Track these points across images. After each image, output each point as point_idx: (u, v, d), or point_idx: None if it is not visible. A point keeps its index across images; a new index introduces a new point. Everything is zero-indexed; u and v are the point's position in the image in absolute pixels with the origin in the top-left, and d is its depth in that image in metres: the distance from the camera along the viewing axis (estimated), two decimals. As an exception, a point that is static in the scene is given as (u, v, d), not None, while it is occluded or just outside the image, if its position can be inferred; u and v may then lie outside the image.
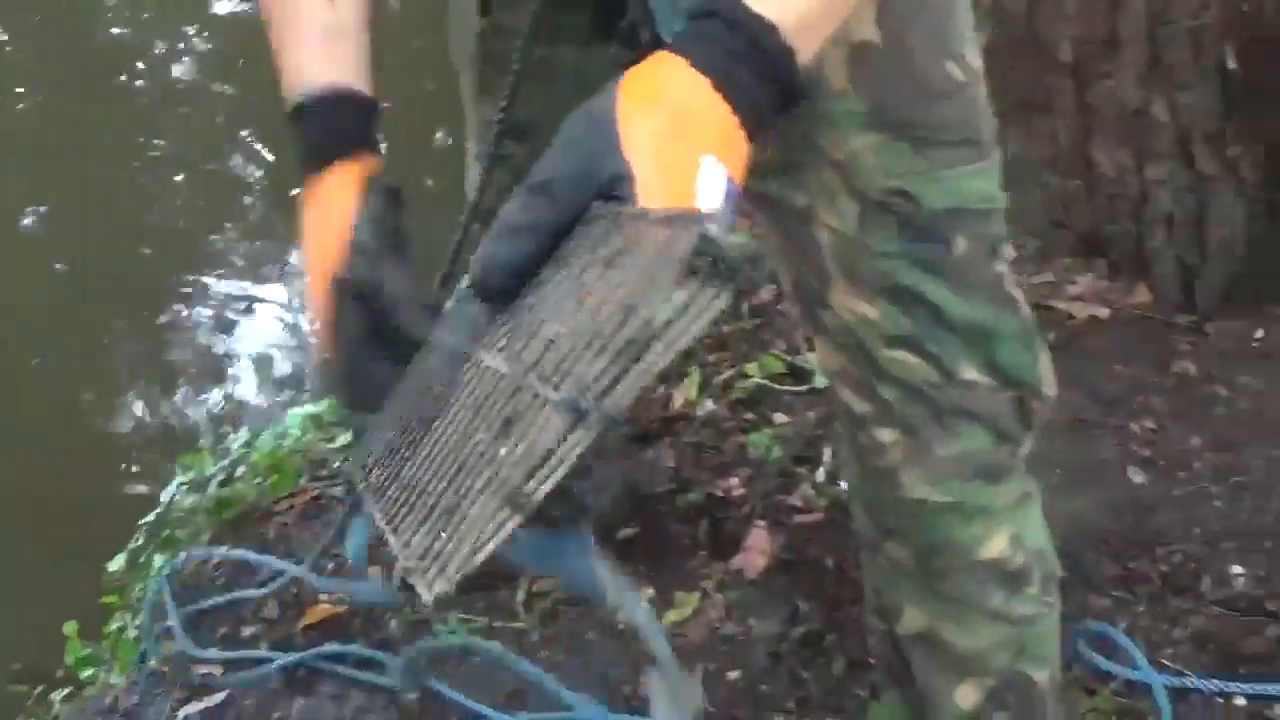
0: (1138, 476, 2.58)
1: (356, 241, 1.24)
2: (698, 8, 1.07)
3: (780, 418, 2.82)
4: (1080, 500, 2.51)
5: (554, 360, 0.85)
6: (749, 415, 2.87)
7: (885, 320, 1.52)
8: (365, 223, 1.25)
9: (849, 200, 1.48)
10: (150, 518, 3.58)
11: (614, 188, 0.98)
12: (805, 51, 1.07)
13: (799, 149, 1.48)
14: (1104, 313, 2.96)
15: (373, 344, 1.20)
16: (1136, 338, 2.92)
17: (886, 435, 1.58)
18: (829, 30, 1.11)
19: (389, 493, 1.00)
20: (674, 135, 1.01)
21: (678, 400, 2.90)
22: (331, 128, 1.33)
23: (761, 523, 2.60)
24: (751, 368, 2.94)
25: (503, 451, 0.84)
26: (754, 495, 2.67)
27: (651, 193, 0.98)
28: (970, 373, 1.52)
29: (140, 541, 3.48)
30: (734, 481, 2.71)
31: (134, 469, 4.40)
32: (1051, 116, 2.95)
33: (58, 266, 5.16)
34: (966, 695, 1.71)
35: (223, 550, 2.93)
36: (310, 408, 3.48)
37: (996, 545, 1.63)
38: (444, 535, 0.84)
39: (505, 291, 1.01)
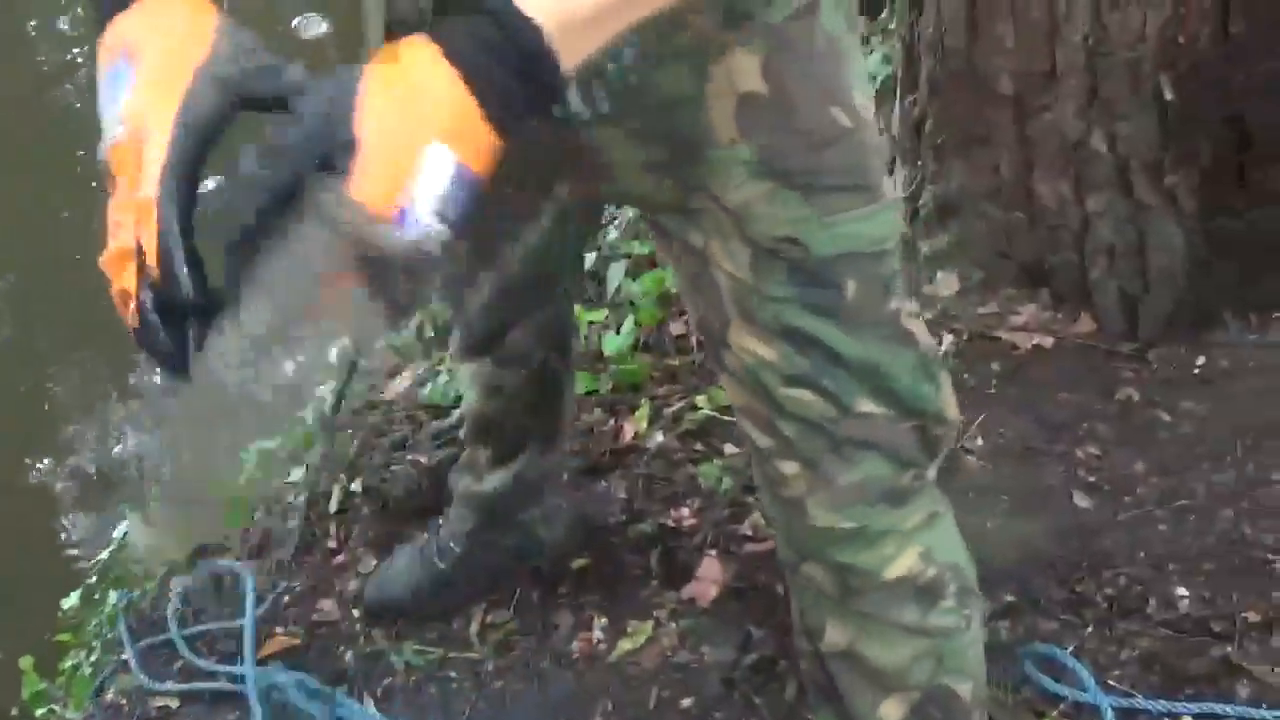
0: (1084, 501, 2.61)
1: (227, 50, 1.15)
2: (467, 2, 1.08)
3: (730, 448, 2.83)
4: (1027, 525, 2.54)
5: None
6: (699, 446, 2.89)
7: (782, 360, 1.55)
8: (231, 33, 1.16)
9: (741, 246, 1.52)
10: (104, 555, 3.58)
11: (336, 158, 1.01)
12: (570, 55, 1.08)
13: (694, 192, 1.52)
14: (1048, 342, 2.99)
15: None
16: (1080, 366, 2.95)
17: (789, 468, 1.62)
18: (601, 39, 1.12)
19: None
20: (405, 116, 1.04)
21: (628, 432, 2.92)
22: None
23: (713, 552, 2.61)
24: (701, 399, 2.96)
25: None
26: (705, 525, 2.69)
27: (368, 170, 1.01)
28: (868, 406, 1.56)
29: (94, 579, 3.48)
30: (685, 512, 2.73)
31: (83, 507, 4.39)
32: (992, 149, 2.98)
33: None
34: (891, 710, 1.73)
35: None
36: (263, 443, 3.48)
37: (905, 563, 1.66)
38: None
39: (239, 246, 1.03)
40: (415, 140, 1.03)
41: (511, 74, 1.06)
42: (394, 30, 1.63)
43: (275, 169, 1.02)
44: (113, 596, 3.23)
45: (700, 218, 1.54)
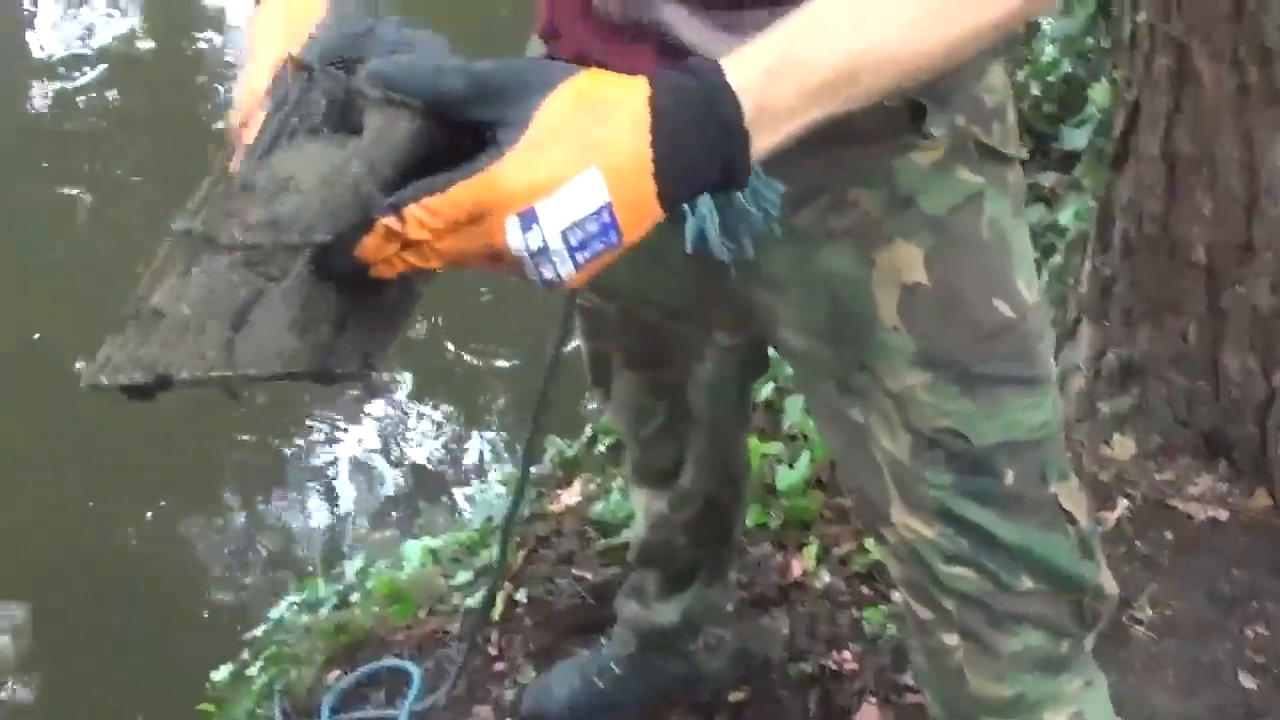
0: (1249, 682, 2.58)
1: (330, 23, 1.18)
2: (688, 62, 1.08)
3: (897, 595, 2.81)
4: (1192, 702, 2.52)
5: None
6: (865, 589, 2.88)
7: (942, 540, 1.56)
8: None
9: (902, 432, 1.53)
10: (258, 632, 3.64)
11: (500, 128, 1.03)
12: (761, 139, 1.07)
13: (855, 370, 1.53)
14: (1223, 515, 2.96)
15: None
16: (1255, 541, 2.91)
17: (950, 639, 1.63)
18: (792, 132, 1.09)
19: None
20: (584, 129, 1.04)
21: (796, 569, 2.92)
22: None
23: (873, 699, 2.61)
24: (870, 542, 2.91)
25: None
26: (867, 670, 2.69)
27: (523, 152, 1.02)
28: (1027, 583, 1.57)
29: (246, 655, 3.54)
30: (847, 655, 2.73)
31: (238, 581, 4.45)
32: (1181, 316, 2.97)
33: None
34: None
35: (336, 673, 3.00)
36: (429, 541, 3.54)
37: None
38: None
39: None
40: (581, 155, 1.03)
41: (699, 139, 1.06)
42: None
43: (451, 85, 1.04)
44: (264, 674, 3.30)
45: (860, 396, 1.55)
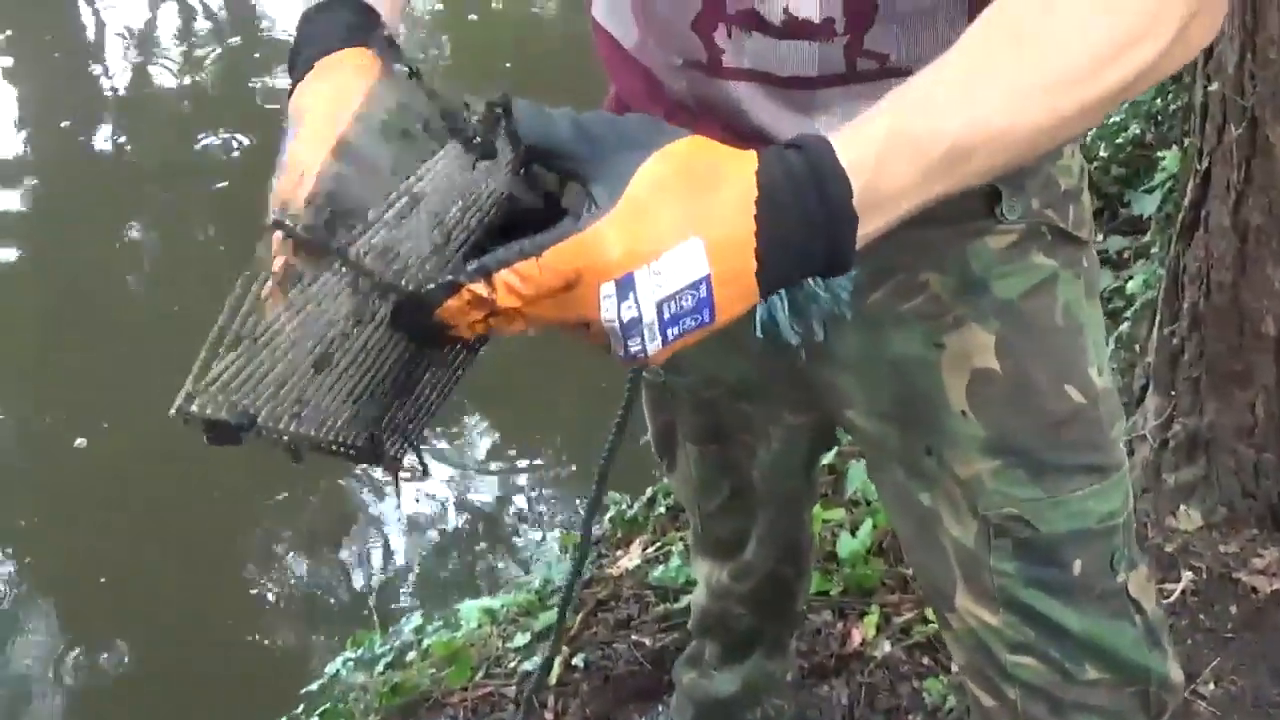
0: (1313, 763, 2.57)
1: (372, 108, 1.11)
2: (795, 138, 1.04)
3: (956, 666, 2.81)
4: (1254, 783, 2.51)
5: None
6: (926, 660, 2.87)
7: (1007, 628, 1.55)
8: (386, 90, 1.12)
9: (969, 518, 1.52)
10: (313, 686, 3.65)
11: (598, 184, 0.99)
12: (871, 223, 1.02)
13: (923, 455, 1.53)
14: (1289, 588, 2.95)
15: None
16: (1322, 617, 2.89)
17: None
18: (893, 219, 1.05)
19: None
20: (688, 197, 0.99)
21: (856, 638, 2.91)
22: (343, 21, 1.25)
23: (933, 773, 2.61)
24: (932, 612, 2.92)
25: None
26: (927, 744, 2.67)
27: (623, 216, 0.97)
28: (1093, 674, 1.56)
29: (301, 710, 3.55)
30: (907, 727, 2.72)
31: (293, 633, 4.46)
32: (1250, 388, 2.96)
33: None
34: None
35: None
36: (487, 601, 3.55)
37: None
38: None
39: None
40: (685, 223, 0.98)
41: (805, 219, 1.00)
42: None
43: (555, 133, 1.02)
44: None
45: (928, 480, 1.55)
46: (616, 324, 0.98)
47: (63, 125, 6.89)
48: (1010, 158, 1.08)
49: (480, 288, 0.97)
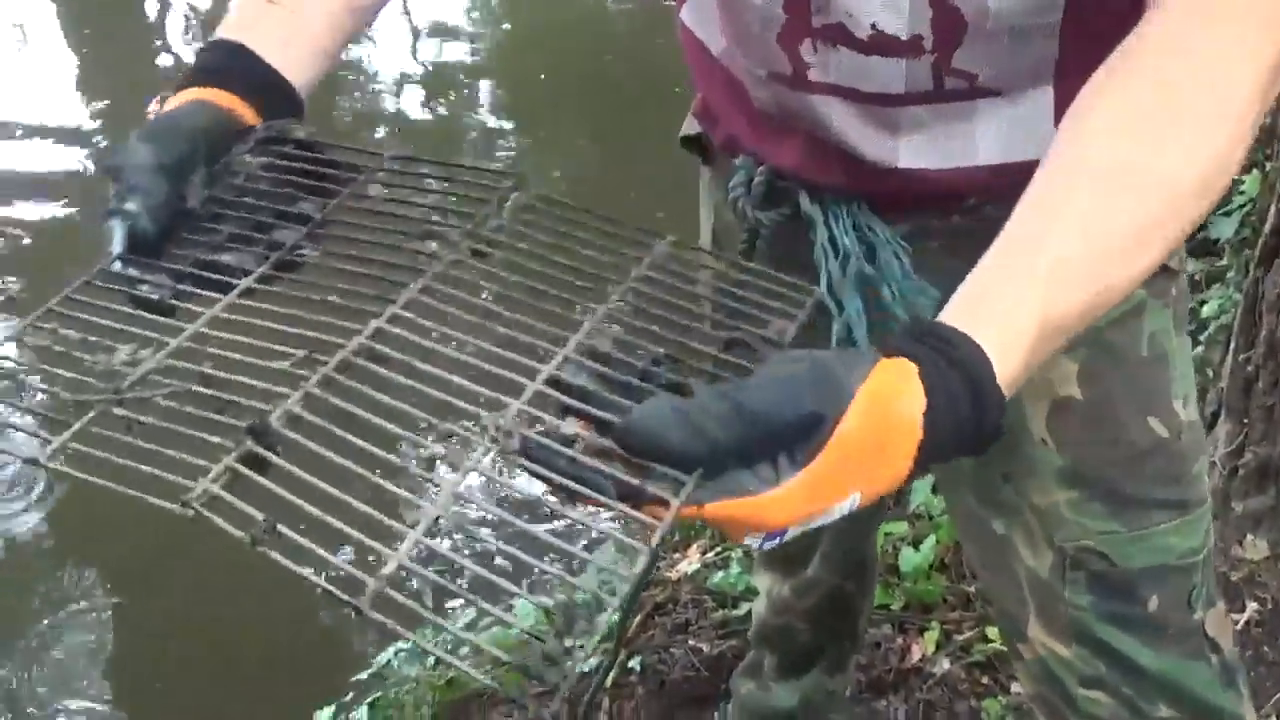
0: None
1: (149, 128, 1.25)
2: (932, 329, 1.02)
3: (1017, 688, 2.81)
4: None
5: None
6: (985, 679, 2.86)
7: (1079, 662, 1.54)
8: (154, 119, 1.27)
9: (1045, 548, 1.51)
10: (363, 675, 3.66)
11: (779, 458, 0.96)
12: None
13: (1000, 483, 1.52)
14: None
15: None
16: None
17: None
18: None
19: None
20: (862, 468, 0.97)
21: (915, 653, 2.91)
22: (225, 65, 1.34)
23: (988, 793, 2.60)
24: (993, 631, 2.92)
25: None
26: (984, 764, 2.67)
27: (795, 496, 0.95)
28: (1164, 711, 1.54)
29: (350, 697, 3.57)
30: (964, 747, 2.72)
31: (344, 618, 4.46)
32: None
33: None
34: None
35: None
36: (543, 599, 3.54)
37: None
38: None
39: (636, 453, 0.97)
40: (854, 490, 0.98)
41: (958, 444, 1.01)
42: (719, 235, 1.70)
43: (736, 434, 0.95)
44: (366, 717, 3.33)
45: (1003, 508, 1.54)
46: (751, 544, 1.00)
47: (123, 95, 6.92)
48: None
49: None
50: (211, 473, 0.98)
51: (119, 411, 1.05)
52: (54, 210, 5.99)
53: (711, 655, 2.99)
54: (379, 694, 3.41)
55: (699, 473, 0.95)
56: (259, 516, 0.94)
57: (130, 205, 1.21)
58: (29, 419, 1.10)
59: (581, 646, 0.93)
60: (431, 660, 3.46)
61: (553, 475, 0.97)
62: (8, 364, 1.16)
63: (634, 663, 3.03)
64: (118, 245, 1.21)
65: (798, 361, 0.99)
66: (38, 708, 3.97)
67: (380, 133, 6.60)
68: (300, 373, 1.06)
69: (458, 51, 7.22)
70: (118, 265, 1.21)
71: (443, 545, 0.94)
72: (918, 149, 1.36)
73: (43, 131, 6.56)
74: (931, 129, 1.35)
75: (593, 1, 7.60)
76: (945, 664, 2.89)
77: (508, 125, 6.63)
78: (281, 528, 0.95)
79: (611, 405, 1.00)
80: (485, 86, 6.93)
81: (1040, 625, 1.56)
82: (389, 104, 6.88)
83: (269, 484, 0.98)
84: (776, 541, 1.00)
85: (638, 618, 3.14)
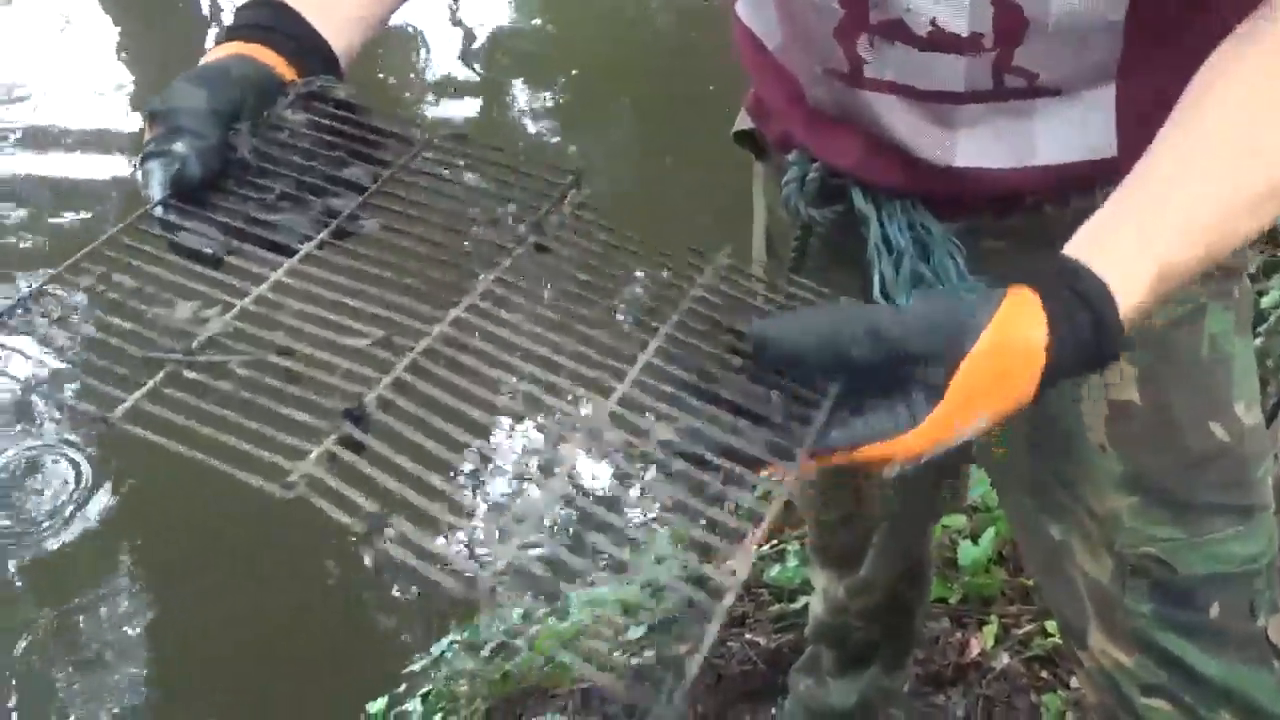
0: None
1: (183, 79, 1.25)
2: (1063, 268, 1.08)
3: (1076, 683, 2.80)
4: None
5: None
6: (1044, 674, 2.85)
7: (1140, 670, 1.52)
8: (202, 65, 1.28)
9: (1105, 554, 1.50)
10: (415, 667, 3.68)
11: (918, 389, 1.03)
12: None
13: (1057, 486, 1.51)
14: None
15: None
16: None
17: None
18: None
19: None
20: (990, 395, 1.05)
21: (974, 648, 2.90)
22: (268, 22, 1.34)
23: (1048, 789, 2.59)
24: (1052, 625, 2.89)
25: None
26: (1042, 759, 2.66)
27: (932, 428, 1.03)
28: (1226, 719, 1.52)
29: (403, 688, 3.58)
30: (1023, 741, 2.71)
31: (397, 608, 4.48)
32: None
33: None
34: None
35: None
36: (597, 591, 3.55)
37: None
38: None
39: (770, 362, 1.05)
40: (984, 416, 1.05)
41: (1078, 366, 1.07)
42: (772, 232, 1.71)
43: (868, 351, 1.02)
44: (423, 713, 3.34)
45: (1060, 512, 1.53)
46: (887, 473, 1.06)
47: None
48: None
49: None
50: (313, 454, 0.97)
51: (190, 374, 1.04)
52: (97, 210, 6.06)
53: (769, 649, 3.00)
54: (432, 686, 3.42)
55: (834, 392, 1.04)
56: (366, 506, 0.93)
57: (179, 146, 1.20)
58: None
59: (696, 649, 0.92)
60: (486, 653, 3.48)
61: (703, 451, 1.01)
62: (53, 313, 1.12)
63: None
64: (158, 189, 1.19)
65: (932, 299, 1.07)
66: (87, 698, 4.01)
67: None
68: (379, 353, 1.06)
69: (501, 50, 7.22)
70: (159, 211, 1.19)
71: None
72: (975, 148, 1.36)
73: (85, 138, 6.61)
74: (989, 128, 1.34)
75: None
76: (1004, 658, 2.88)
77: (548, 125, 6.63)
78: (395, 520, 0.94)
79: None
80: (527, 86, 6.93)
81: (1101, 633, 1.55)
82: (429, 105, 6.89)
83: (367, 469, 0.97)
84: (912, 465, 1.06)
85: (691, 611, 3.12)
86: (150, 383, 1.03)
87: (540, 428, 1.01)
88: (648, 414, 1.04)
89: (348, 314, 1.10)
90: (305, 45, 1.34)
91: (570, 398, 1.04)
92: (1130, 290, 1.06)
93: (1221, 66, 1.14)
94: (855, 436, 1.03)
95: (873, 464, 1.05)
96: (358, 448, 0.99)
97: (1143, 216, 1.10)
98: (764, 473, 1.01)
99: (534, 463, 1.00)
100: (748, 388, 1.06)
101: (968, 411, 1.03)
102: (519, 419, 0.93)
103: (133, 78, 7.15)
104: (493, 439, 0.93)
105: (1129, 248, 1.08)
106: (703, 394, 1.06)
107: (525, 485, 0.90)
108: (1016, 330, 1.04)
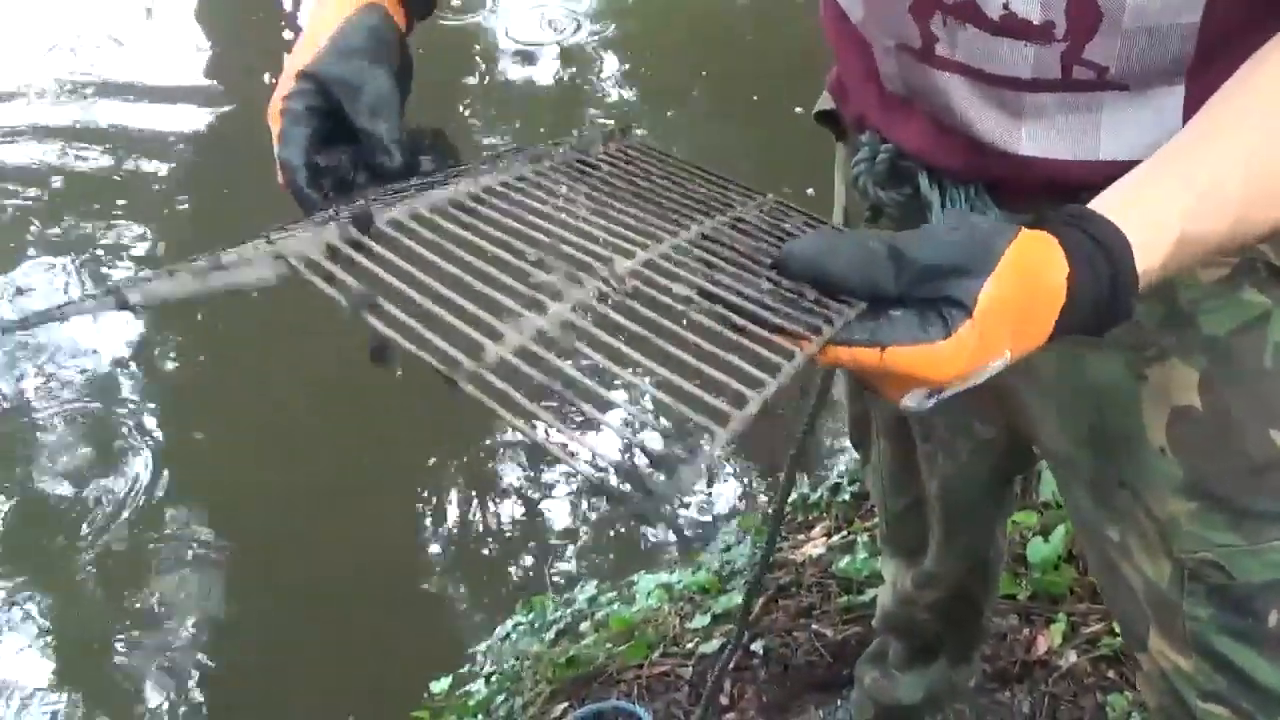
0: None
1: (336, 39, 1.31)
2: (1080, 216, 1.10)
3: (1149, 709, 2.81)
4: None
5: None
6: (1111, 674, 2.86)
7: (1199, 675, 1.53)
8: (352, 27, 1.33)
9: (1163, 558, 1.50)
10: (481, 647, 3.72)
11: (947, 305, 1.02)
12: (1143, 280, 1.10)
13: (1116, 487, 1.52)
14: None
15: (324, 144, 1.30)
16: None
17: None
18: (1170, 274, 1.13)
19: None
20: (1017, 324, 1.05)
21: (1041, 645, 2.92)
22: None
23: (1112, 788, 2.61)
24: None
25: None
26: (1107, 759, 2.68)
27: (960, 348, 1.02)
28: None
29: (467, 669, 3.63)
30: (1088, 741, 2.73)
31: (463, 589, 4.51)
32: None
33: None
34: None
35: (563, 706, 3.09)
36: (664, 577, 3.59)
37: None
38: None
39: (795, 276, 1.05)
40: (1008, 346, 1.06)
41: (1095, 321, 1.09)
42: (849, 212, 1.74)
43: (883, 275, 1.03)
44: (486, 693, 3.39)
45: (1119, 514, 1.54)
46: (911, 405, 1.07)
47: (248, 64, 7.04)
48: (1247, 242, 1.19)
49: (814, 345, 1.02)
50: (312, 238, 0.98)
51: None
52: (182, 160, 6.18)
53: (835, 640, 3.03)
54: (495, 668, 3.46)
55: (859, 306, 1.03)
56: (355, 285, 0.93)
57: (381, 129, 1.27)
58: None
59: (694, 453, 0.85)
60: (551, 635, 3.52)
61: (724, 294, 1.02)
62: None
63: (757, 646, 3.07)
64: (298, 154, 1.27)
65: (951, 224, 1.07)
66: (161, 679, 4.08)
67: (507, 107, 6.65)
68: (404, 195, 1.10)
69: (587, 28, 7.23)
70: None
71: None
72: (1040, 136, 1.37)
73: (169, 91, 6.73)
74: (1056, 118, 1.35)
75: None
76: (1071, 656, 2.90)
77: (632, 96, 6.65)
78: (384, 303, 0.91)
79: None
80: (613, 60, 6.94)
81: (1160, 636, 1.56)
82: (515, 76, 6.92)
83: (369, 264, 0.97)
84: (932, 402, 1.06)
85: (761, 599, 3.17)
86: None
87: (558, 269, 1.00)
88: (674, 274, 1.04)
89: None
90: None
91: (600, 254, 1.04)
92: (1149, 246, 1.09)
93: (1272, 48, 1.16)
94: (884, 336, 1.02)
95: (898, 377, 1.04)
96: (358, 247, 1.00)
97: (1169, 179, 1.13)
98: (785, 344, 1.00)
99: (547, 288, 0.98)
100: (777, 287, 1.06)
101: (994, 339, 1.04)
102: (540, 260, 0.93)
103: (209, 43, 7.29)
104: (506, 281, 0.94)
105: (1151, 206, 1.11)
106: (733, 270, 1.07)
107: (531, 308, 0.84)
108: (1038, 269, 1.06)
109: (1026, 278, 1.05)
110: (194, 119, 6.54)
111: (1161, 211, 1.11)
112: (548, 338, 0.92)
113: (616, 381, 0.94)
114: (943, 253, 1.03)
